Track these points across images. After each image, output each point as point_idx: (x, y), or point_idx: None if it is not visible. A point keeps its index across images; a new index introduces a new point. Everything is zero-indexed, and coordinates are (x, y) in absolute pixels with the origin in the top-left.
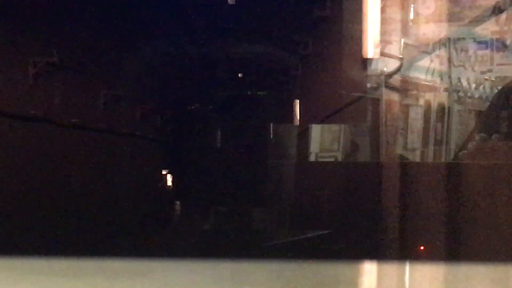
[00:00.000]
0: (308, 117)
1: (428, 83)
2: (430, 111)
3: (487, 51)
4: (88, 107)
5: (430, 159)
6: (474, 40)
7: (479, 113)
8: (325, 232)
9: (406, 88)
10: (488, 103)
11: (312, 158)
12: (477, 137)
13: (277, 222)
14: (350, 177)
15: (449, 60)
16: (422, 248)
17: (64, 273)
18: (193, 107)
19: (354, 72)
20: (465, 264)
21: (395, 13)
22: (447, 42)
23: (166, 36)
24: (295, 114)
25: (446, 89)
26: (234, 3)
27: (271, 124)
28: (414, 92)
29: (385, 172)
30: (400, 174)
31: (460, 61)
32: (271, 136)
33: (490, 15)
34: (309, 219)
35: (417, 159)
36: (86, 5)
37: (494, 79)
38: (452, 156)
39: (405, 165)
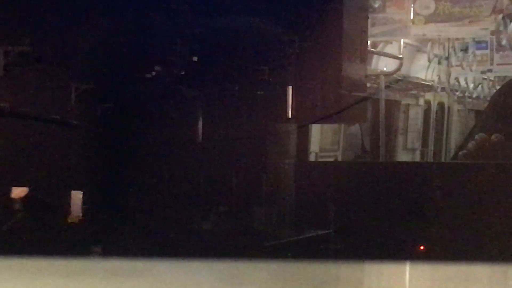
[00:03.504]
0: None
1: (428, 83)
2: (429, 111)
3: (487, 51)
4: None
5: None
6: (474, 40)
7: (478, 113)
8: (325, 232)
9: (405, 88)
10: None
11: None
12: (476, 136)
13: (278, 222)
14: (350, 177)
15: (448, 60)
16: (422, 248)
17: (64, 273)
18: (153, 73)
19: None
20: (465, 264)
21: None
22: (446, 42)
23: None
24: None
25: (444, 89)
26: None
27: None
28: (414, 92)
29: (384, 172)
30: (400, 174)
31: (459, 61)
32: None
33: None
34: (309, 219)
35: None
36: None
37: (493, 79)
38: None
39: (404, 165)
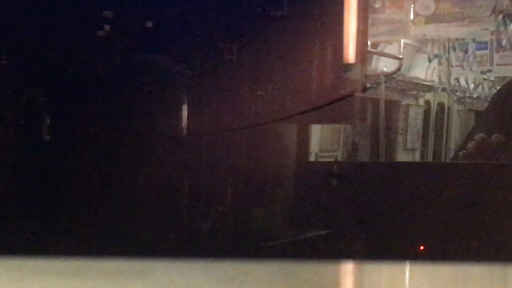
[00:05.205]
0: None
1: (428, 83)
2: (429, 111)
3: (487, 51)
4: None
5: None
6: (474, 40)
7: (478, 113)
8: (325, 232)
9: (405, 88)
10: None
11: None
12: (476, 137)
13: (278, 222)
14: (350, 177)
15: (448, 60)
16: (422, 248)
17: (64, 273)
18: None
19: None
20: (465, 264)
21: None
22: (446, 42)
23: None
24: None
25: (445, 89)
26: None
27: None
28: (414, 92)
29: (384, 172)
30: (399, 174)
31: (459, 61)
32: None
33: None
34: (309, 219)
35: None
36: None
37: (493, 79)
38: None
39: (404, 165)
